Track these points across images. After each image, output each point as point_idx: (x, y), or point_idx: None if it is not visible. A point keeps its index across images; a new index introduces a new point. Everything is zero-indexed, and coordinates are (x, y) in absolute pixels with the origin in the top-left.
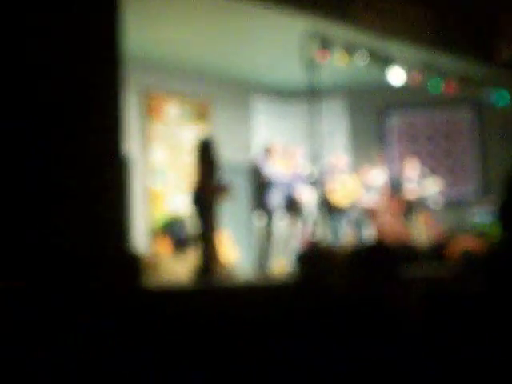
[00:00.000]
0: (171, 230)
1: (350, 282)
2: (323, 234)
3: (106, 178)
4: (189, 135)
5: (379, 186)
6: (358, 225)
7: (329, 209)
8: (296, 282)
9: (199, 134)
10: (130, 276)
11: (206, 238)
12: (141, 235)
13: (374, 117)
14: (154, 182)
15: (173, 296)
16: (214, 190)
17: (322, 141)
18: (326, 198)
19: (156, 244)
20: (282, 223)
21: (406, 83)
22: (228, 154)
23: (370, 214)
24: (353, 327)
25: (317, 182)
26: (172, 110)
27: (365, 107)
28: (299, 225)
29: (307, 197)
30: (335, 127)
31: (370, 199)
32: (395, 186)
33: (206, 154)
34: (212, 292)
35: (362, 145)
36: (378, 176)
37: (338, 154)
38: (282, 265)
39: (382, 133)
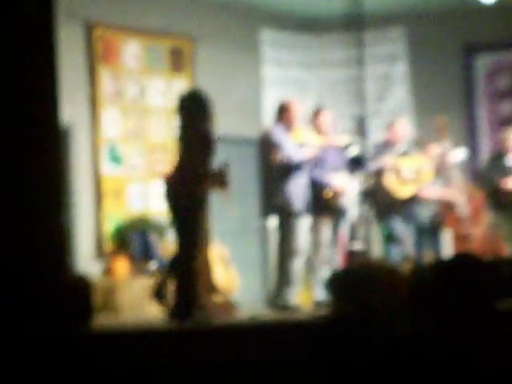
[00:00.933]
0: (132, 240)
1: (415, 319)
2: (372, 243)
3: (33, 163)
4: (159, 92)
5: (458, 168)
6: (426, 229)
7: (381, 204)
8: (329, 320)
9: (175, 90)
10: (71, 315)
11: (189, 255)
12: (88, 249)
13: (451, 59)
14: (106, 164)
15: (137, 343)
16: (206, 179)
17: (370, 99)
18: (377, 187)
19: (110, 262)
20: (308, 229)
21: (505, 5)
22: (222, 124)
23: (446, 211)
24: None
25: (362, 163)
26: (132, 53)
27: (437, 44)
28: (335, 231)
29: (347, 186)
30: (389, 76)
31: (445, 189)
32: (485, 170)
33: (195, 118)
34: (198, 336)
35: (432, 104)
36: (456, 153)
37: (395, 118)
38: (308, 294)
39: (463, 84)
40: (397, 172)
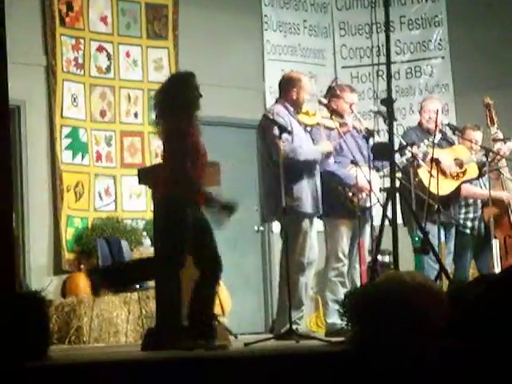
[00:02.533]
0: (98, 249)
1: (449, 346)
2: (401, 252)
3: None
4: (133, 63)
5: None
6: (470, 236)
7: (418, 207)
8: (349, 350)
9: (154, 60)
10: (22, 343)
11: (171, 270)
12: (43, 261)
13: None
14: (66, 152)
15: (106, 380)
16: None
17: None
18: (409, 183)
19: (71, 277)
20: (320, 237)
21: None
22: (213, 105)
23: (496, 214)
24: None
25: (389, 153)
26: (99, 14)
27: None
28: (354, 238)
29: (371, 182)
30: (424, 44)
31: (494, 187)
32: None
33: (188, 107)
34: (180, 370)
35: (477, 80)
36: (508, 143)
37: (429, 97)
38: (321, 318)
39: None
40: (433, 164)
